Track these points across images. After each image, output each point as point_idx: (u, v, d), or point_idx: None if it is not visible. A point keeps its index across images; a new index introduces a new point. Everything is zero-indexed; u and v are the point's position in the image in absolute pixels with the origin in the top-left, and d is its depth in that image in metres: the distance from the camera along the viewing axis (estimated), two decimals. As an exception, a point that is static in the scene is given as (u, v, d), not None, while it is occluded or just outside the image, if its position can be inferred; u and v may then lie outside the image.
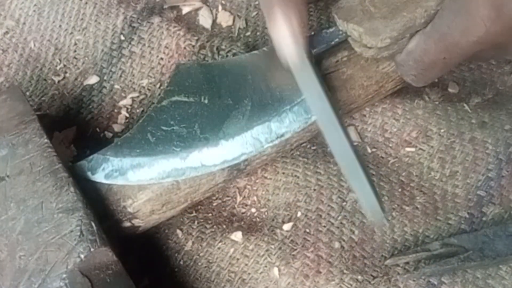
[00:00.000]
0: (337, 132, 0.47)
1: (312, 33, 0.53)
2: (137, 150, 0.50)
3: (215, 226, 0.54)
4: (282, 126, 0.51)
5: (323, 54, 0.54)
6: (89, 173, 0.50)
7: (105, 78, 0.62)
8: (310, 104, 0.49)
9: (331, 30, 0.52)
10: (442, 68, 0.48)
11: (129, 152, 0.50)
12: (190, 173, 0.50)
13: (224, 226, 0.54)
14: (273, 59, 0.52)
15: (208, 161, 0.50)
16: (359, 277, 0.51)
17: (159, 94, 0.61)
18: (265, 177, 0.56)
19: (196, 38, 0.61)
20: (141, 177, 0.50)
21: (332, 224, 0.53)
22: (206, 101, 0.52)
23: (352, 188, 0.49)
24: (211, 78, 0.53)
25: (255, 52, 0.55)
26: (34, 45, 0.64)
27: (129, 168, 0.50)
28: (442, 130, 0.57)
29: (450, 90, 0.60)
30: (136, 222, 0.50)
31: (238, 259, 0.52)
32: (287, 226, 0.54)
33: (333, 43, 0.52)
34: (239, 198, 0.56)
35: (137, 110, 0.61)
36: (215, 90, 0.52)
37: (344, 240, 0.53)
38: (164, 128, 0.50)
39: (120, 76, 0.62)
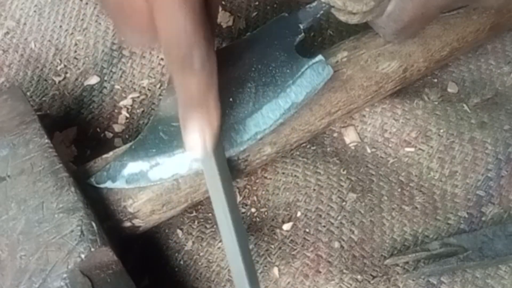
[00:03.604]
0: (229, 230, 0.46)
1: (298, 10, 0.54)
2: (153, 150, 0.50)
3: (215, 226, 0.54)
4: (289, 100, 0.51)
5: (321, 52, 0.54)
6: (109, 182, 0.49)
7: (105, 78, 0.62)
8: (212, 198, 0.49)
9: (314, 4, 0.53)
10: (421, 23, 0.50)
11: (145, 153, 0.50)
12: None
13: (224, 226, 0.54)
14: (268, 38, 0.52)
15: (226, 146, 0.50)
16: (359, 276, 0.51)
17: (160, 94, 0.61)
18: (265, 177, 0.56)
19: (196, 38, 0.61)
20: (162, 175, 0.50)
21: (332, 224, 0.53)
22: None
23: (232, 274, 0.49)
24: None
25: (249, 34, 0.55)
26: (35, 46, 0.64)
27: (148, 169, 0.49)
28: (441, 130, 0.57)
29: (449, 90, 0.60)
30: (137, 222, 0.50)
31: (238, 258, 0.53)
32: (286, 226, 0.54)
33: (318, 15, 0.53)
34: (239, 198, 0.56)
35: (138, 111, 0.61)
36: (218, 79, 0.52)
37: (343, 240, 0.53)
38: (174, 124, 0.50)
39: (121, 76, 0.62)
